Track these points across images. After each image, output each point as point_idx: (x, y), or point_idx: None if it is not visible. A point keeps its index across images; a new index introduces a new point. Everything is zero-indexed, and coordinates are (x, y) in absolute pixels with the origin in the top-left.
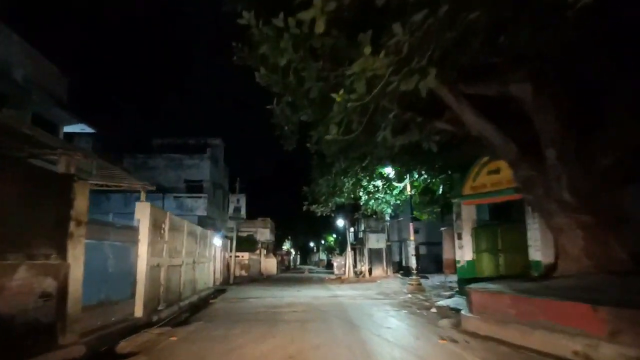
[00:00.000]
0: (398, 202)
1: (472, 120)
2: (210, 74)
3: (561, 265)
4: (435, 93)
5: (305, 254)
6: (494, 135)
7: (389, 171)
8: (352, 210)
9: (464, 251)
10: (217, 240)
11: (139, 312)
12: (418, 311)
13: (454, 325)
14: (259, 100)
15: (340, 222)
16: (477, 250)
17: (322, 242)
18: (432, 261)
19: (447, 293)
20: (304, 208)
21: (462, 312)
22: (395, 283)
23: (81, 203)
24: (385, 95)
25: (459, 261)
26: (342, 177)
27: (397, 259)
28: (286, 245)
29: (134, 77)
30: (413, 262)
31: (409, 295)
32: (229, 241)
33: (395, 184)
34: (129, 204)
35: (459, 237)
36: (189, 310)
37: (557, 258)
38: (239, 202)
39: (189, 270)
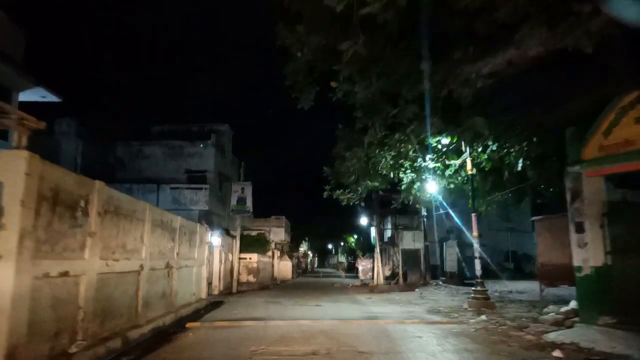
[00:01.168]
0: (451, 185)
1: None
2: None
3: None
4: None
5: (323, 256)
6: None
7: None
8: (381, 203)
9: (588, 251)
10: (215, 239)
11: None
12: (528, 353)
13: None
14: (275, 87)
15: (363, 221)
16: (614, 250)
17: (342, 243)
18: (472, 265)
19: (549, 317)
20: (325, 195)
21: None
22: (441, 294)
23: None
24: None
25: (579, 267)
26: (377, 151)
27: (435, 262)
28: (303, 247)
29: (131, 59)
30: (477, 267)
31: (483, 317)
32: (233, 240)
33: (451, 161)
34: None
35: (579, 230)
36: (143, 345)
37: None
38: (243, 191)
39: (160, 278)
